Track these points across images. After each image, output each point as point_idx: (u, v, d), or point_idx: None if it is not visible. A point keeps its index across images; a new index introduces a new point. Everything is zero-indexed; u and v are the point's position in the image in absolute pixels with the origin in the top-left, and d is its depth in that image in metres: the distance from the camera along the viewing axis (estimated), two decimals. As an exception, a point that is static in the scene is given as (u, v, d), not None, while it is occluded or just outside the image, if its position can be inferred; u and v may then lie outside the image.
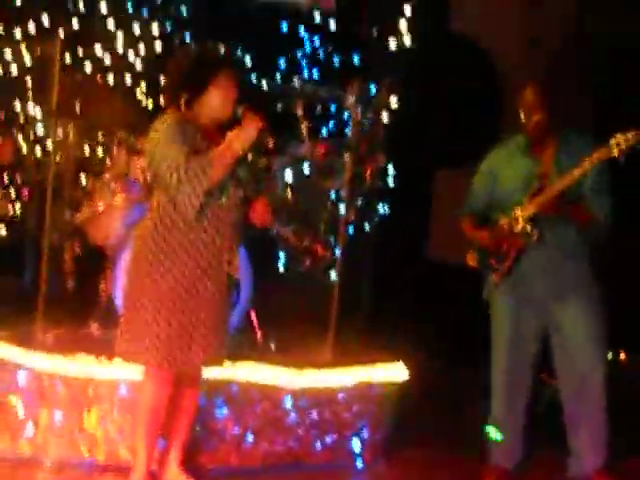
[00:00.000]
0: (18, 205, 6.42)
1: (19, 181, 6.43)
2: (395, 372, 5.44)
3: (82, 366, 4.87)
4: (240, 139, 4.10)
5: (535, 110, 4.72)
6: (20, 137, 6.54)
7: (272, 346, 5.53)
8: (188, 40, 7.28)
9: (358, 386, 5.31)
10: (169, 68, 4.31)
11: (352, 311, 5.77)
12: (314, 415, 5.23)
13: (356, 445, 5.33)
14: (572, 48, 7.29)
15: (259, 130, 4.12)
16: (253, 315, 5.58)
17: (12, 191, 6.46)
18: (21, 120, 6.64)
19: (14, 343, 4.92)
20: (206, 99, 4.18)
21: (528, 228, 4.71)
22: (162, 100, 6.43)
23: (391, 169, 7.00)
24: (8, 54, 6.25)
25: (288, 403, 5.16)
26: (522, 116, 4.79)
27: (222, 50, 5.97)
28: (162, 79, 6.63)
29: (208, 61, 4.26)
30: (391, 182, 7.06)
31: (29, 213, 6.21)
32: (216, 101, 4.18)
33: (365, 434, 5.36)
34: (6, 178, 6.42)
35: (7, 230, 6.42)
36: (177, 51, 6.95)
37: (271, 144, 4.38)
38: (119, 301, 5.11)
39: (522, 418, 4.99)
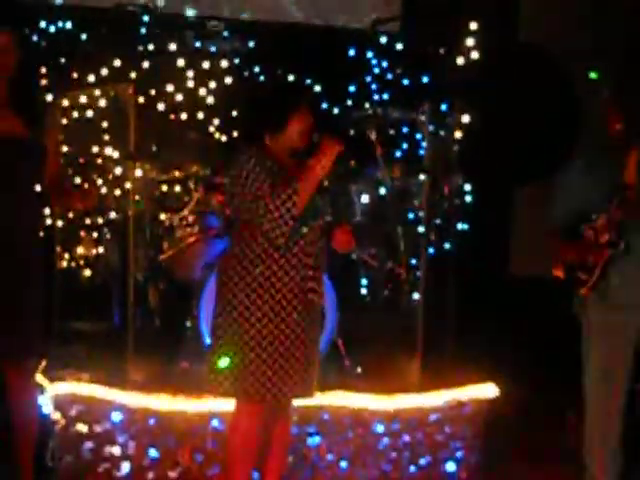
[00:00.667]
0: (101, 247, 6.51)
1: (100, 222, 6.52)
2: (486, 391, 5.40)
3: (173, 402, 4.93)
4: (321, 164, 4.14)
5: (616, 118, 4.66)
6: (99, 180, 6.64)
7: (360, 372, 5.53)
8: (257, 71, 7.32)
9: (449, 407, 5.28)
10: (247, 104, 4.37)
11: (438, 332, 5.74)
12: (406, 438, 5.22)
13: (451, 466, 5.30)
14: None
15: (339, 153, 4.16)
16: (340, 342, 5.58)
17: (95, 233, 6.56)
18: (99, 162, 6.73)
19: (107, 383, 4.99)
20: (287, 133, 4.24)
21: (614, 238, 4.64)
22: (238, 134, 6.60)
23: (468, 186, 6.95)
24: (83, 99, 6.34)
25: (380, 428, 5.15)
26: (604, 125, 4.73)
27: (294, 81, 6.01)
28: (235, 113, 6.78)
29: (287, 96, 4.31)
30: (469, 199, 7.00)
31: (112, 253, 6.30)
32: (296, 133, 4.24)
33: (459, 455, 5.32)
34: (89, 220, 6.52)
35: (92, 271, 6.52)
36: (249, 84, 7.03)
37: (352, 165, 4.38)
38: (206, 336, 5.17)
39: (619, 429, 4.90)
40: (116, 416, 4.93)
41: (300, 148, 4.28)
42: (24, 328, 4.37)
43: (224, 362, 4.15)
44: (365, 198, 6.06)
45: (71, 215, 6.52)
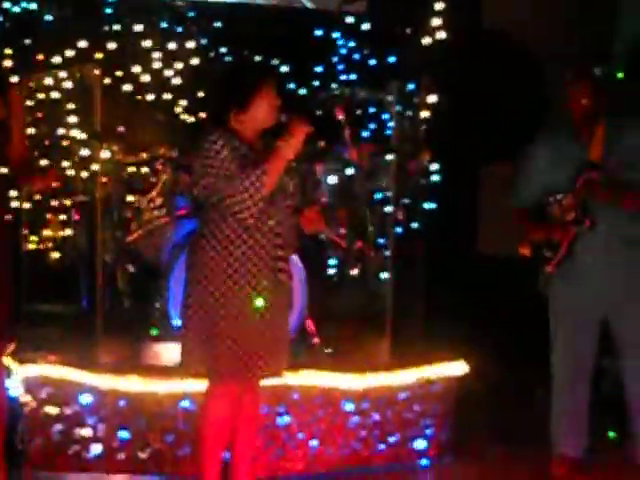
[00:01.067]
0: (69, 229, 6.47)
1: (68, 204, 6.48)
2: (455, 369, 5.43)
3: (144, 383, 4.93)
4: (289, 145, 4.13)
5: (581, 96, 4.69)
6: (66, 161, 6.60)
7: (330, 351, 5.55)
8: (224, 52, 7.30)
9: (418, 385, 5.32)
10: (211, 85, 4.36)
11: (407, 311, 5.76)
12: (376, 417, 5.24)
13: (421, 444, 5.33)
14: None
15: (307, 135, 4.16)
16: (309, 321, 5.59)
17: (62, 215, 6.52)
18: (65, 144, 6.69)
19: (77, 366, 4.98)
20: (251, 112, 4.22)
21: (580, 216, 4.68)
22: (205, 115, 6.57)
23: (435, 166, 6.97)
24: (49, 80, 6.29)
25: (349, 406, 5.17)
26: (568, 103, 4.76)
27: (259, 61, 6.00)
28: (201, 94, 6.75)
29: (249, 74, 4.29)
30: (436, 178, 7.03)
31: (80, 235, 6.27)
32: (261, 112, 4.22)
33: (429, 432, 5.36)
34: (56, 202, 6.49)
35: (60, 253, 6.48)
36: (214, 65, 7.02)
37: (320, 145, 4.37)
38: (176, 317, 5.17)
39: (585, 406, 4.96)
40: (86, 398, 4.92)
41: (267, 127, 4.27)
42: None
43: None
44: (333, 178, 6.06)
45: (38, 197, 6.48)
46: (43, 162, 6.59)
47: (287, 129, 4.17)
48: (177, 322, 4.86)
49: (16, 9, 6.93)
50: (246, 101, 4.21)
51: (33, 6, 6.96)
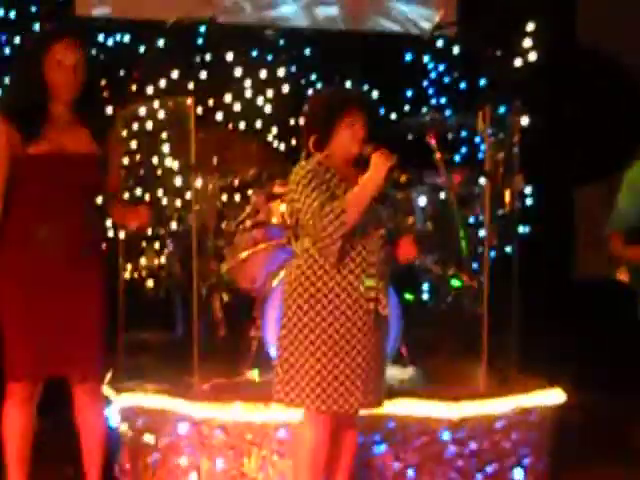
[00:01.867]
0: (163, 257, 6.55)
1: (162, 233, 6.56)
2: (553, 397, 5.34)
3: (240, 412, 4.94)
4: (372, 180, 4.08)
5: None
6: (160, 191, 6.69)
7: (425, 379, 5.50)
8: (314, 79, 7.35)
9: (516, 413, 5.23)
10: (303, 113, 4.36)
11: (502, 337, 5.69)
12: (473, 446, 5.17)
13: (518, 473, 5.24)
14: None
15: (390, 168, 4.09)
16: (404, 350, 5.56)
17: (157, 244, 6.61)
18: (159, 173, 6.78)
19: (173, 394, 5.02)
20: (336, 140, 4.20)
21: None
22: (297, 143, 6.62)
23: (529, 190, 6.91)
24: (142, 111, 6.40)
25: (446, 435, 5.11)
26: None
27: (342, 90, 6.01)
28: (293, 122, 6.81)
29: (334, 102, 4.27)
30: (530, 202, 6.96)
31: (174, 265, 6.33)
32: (345, 141, 4.19)
33: (526, 461, 5.27)
34: (151, 231, 6.57)
35: (154, 283, 6.56)
36: (306, 93, 7.05)
37: (404, 179, 4.30)
38: (271, 346, 5.17)
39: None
40: (182, 427, 4.95)
41: (357, 156, 4.21)
42: (88, 345, 4.41)
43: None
44: (425, 204, 6.02)
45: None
46: (137, 192, 6.72)
47: (370, 163, 4.10)
48: (273, 351, 4.87)
49: (110, 41, 7.08)
50: (327, 134, 4.19)
51: (126, 38, 7.11)
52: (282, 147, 7.09)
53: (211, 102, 6.96)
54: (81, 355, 4.38)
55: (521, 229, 6.52)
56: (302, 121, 4.40)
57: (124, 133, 6.30)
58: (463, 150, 7.28)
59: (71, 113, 4.33)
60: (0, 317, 4.34)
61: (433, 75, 7.58)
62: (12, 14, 6.95)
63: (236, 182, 6.24)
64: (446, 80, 7.59)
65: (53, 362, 4.35)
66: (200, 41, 7.06)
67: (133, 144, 6.52)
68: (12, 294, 4.31)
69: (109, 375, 5.34)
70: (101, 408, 4.66)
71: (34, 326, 4.29)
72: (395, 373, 5.42)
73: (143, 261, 6.57)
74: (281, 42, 7.23)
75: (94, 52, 7.05)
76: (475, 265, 6.13)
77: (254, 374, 5.38)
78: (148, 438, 4.98)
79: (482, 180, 5.89)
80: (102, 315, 4.48)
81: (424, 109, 7.30)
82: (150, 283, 6.56)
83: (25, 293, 4.30)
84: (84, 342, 4.38)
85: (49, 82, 4.23)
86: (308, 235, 4.13)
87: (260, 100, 7.06)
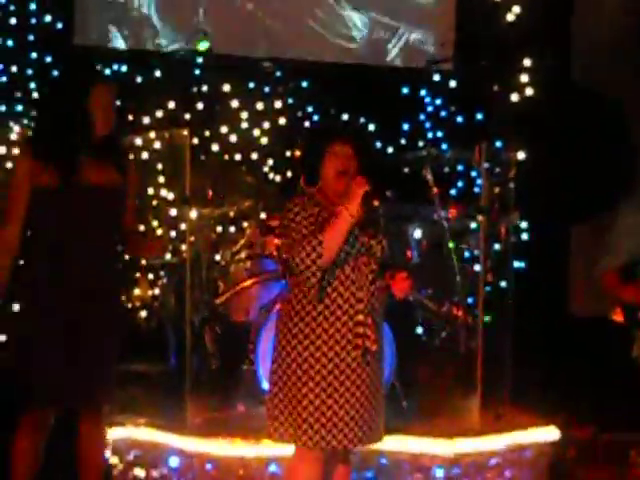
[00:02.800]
0: (157, 288, 6.52)
1: (156, 264, 6.53)
2: (546, 434, 5.31)
3: (231, 447, 4.90)
4: (347, 208, 4.03)
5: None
6: (155, 221, 6.67)
7: (419, 415, 5.46)
8: (311, 111, 7.35)
9: (509, 450, 5.19)
10: (298, 146, 4.36)
11: (497, 373, 5.66)
12: (467, 483, 5.14)
13: (512, 511, 5.21)
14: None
15: (364, 194, 4.02)
16: (398, 386, 5.52)
17: (151, 275, 6.58)
18: (154, 204, 6.76)
19: (165, 428, 4.98)
20: (322, 178, 4.19)
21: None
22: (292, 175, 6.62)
23: (525, 224, 6.89)
24: (139, 141, 6.38)
25: (439, 472, 5.07)
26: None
27: (328, 125, 6.02)
28: (289, 154, 6.80)
29: (318, 135, 4.28)
30: (525, 238, 6.94)
31: (168, 296, 6.30)
32: (330, 176, 4.17)
33: (520, 499, 5.23)
34: (145, 262, 6.54)
35: (147, 313, 6.53)
36: (303, 125, 7.06)
37: (376, 204, 4.22)
38: (263, 380, 5.14)
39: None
40: (173, 461, 4.91)
41: (342, 190, 4.13)
42: (104, 375, 4.41)
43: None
44: (421, 238, 6.01)
45: (127, 257, 6.55)
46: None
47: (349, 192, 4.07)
48: (266, 385, 4.83)
49: (107, 71, 7.08)
50: (314, 167, 4.18)
51: (124, 68, 7.11)
52: (277, 179, 7.07)
53: (207, 133, 6.94)
54: (93, 386, 4.37)
55: (516, 264, 6.49)
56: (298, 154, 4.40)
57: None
58: (459, 184, 7.26)
59: (100, 148, 4.38)
60: (19, 345, 4.37)
61: (430, 109, 7.57)
62: (9, 42, 6.94)
63: (231, 214, 6.21)
64: (443, 114, 7.59)
65: (68, 392, 4.33)
66: (197, 71, 7.06)
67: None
68: (35, 324, 4.31)
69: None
70: (103, 441, 4.64)
71: (52, 357, 4.28)
72: (389, 408, 5.38)
73: (137, 291, 6.53)
74: (278, 73, 7.23)
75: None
76: (470, 300, 6.11)
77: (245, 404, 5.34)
78: (138, 472, 4.93)
79: (478, 215, 5.88)
80: (116, 349, 4.48)
81: (420, 143, 7.29)
82: (143, 314, 6.52)
83: (47, 323, 4.30)
84: (102, 374, 4.38)
85: (91, 120, 4.32)
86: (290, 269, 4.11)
87: (256, 132, 7.05)
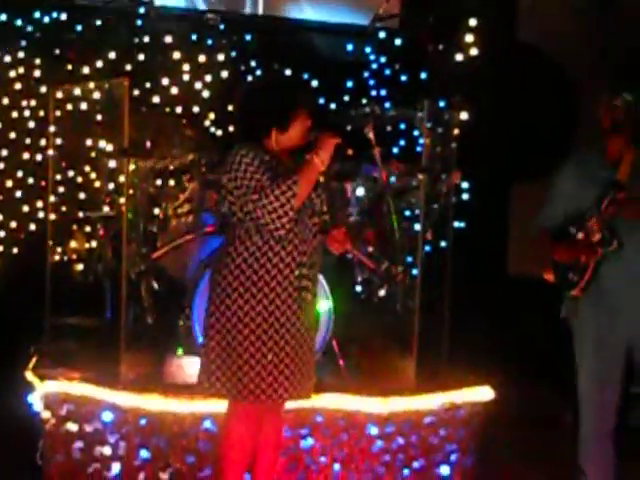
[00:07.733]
0: (94, 241, 6.43)
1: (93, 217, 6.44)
2: (481, 394, 5.34)
3: (166, 402, 4.87)
4: (319, 157, 4.12)
5: (619, 122, 4.59)
6: (93, 173, 6.58)
7: (355, 373, 5.47)
8: (254, 65, 7.27)
9: (444, 410, 5.23)
10: (245, 101, 4.30)
11: (433, 333, 5.68)
12: (400, 441, 5.16)
13: (445, 470, 5.24)
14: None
15: (336, 146, 4.15)
16: (334, 343, 5.52)
17: (87, 227, 6.49)
18: (92, 155, 6.67)
19: (98, 383, 4.93)
20: (289, 133, 4.21)
21: (606, 236, 4.58)
22: (234, 129, 6.53)
23: (466, 185, 6.90)
24: (78, 91, 6.26)
25: (374, 430, 5.10)
26: (601, 122, 4.66)
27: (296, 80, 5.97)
28: (231, 109, 6.71)
29: (291, 96, 4.26)
30: (466, 198, 6.95)
31: (105, 249, 6.22)
32: (298, 133, 4.22)
33: (454, 458, 5.27)
34: (81, 213, 6.46)
35: (84, 266, 6.44)
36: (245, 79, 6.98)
37: (349, 152, 4.33)
38: (199, 335, 5.10)
39: (612, 433, 4.84)
40: (107, 416, 4.86)
41: (299, 147, 4.25)
42: None
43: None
44: (361, 196, 5.99)
45: (64, 209, 6.46)
46: (70, 173, 6.59)
47: (317, 143, 4.15)
48: (201, 340, 4.80)
49: (46, 19, 6.93)
50: (286, 123, 4.20)
51: (63, 17, 6.96)
52: (219, 133, 7.00)
53: (148, 85, 6.84)
54: None
55: (456, 224, 6.50)
56: (243, 108, 4.33)
57: (58, 113, 6.20)
58: (401, 143, 7.24)
59: None
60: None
61: (374, 66, 7.53)
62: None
63: (171, 167, 6.12)
64: (387, 72, 7.55)
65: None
66: (139, 22, 6.94)
67: (67, 125, 6.39)
68: None
69: (33, 361, 5.24)
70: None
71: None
72: (325, 366, 5.39)
73: (73, 244, 6.44)
74: (221, 26, 7.13)
75: (30, 29, 6.90)
76: (409, 259, 6.11)
77: (180, 359, 5.29)
78: (71, 426, 4.88)
79: (419, 174, 5.86)
80: None
81: (364, 101, 7.24)
82: (79, 267, 6.44)
83: None
84: None
85: None
86: (245, 219, 4.07)
87: (198, 85, 6.96)
